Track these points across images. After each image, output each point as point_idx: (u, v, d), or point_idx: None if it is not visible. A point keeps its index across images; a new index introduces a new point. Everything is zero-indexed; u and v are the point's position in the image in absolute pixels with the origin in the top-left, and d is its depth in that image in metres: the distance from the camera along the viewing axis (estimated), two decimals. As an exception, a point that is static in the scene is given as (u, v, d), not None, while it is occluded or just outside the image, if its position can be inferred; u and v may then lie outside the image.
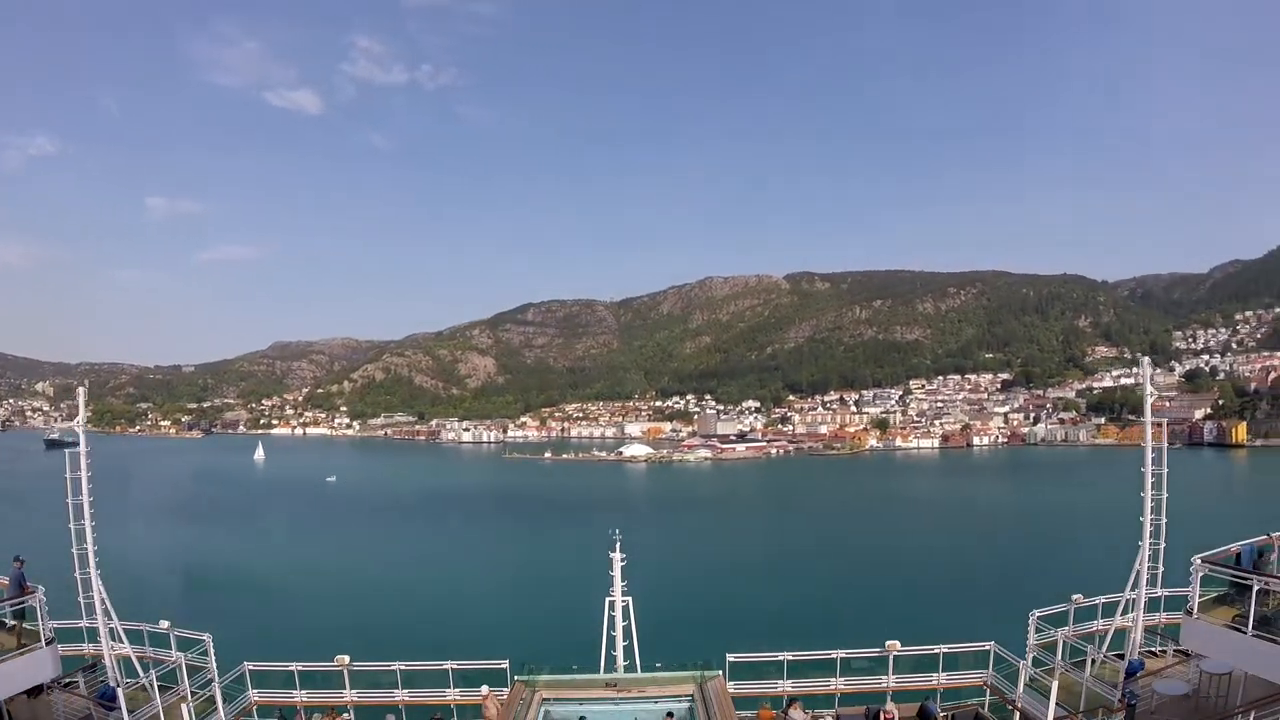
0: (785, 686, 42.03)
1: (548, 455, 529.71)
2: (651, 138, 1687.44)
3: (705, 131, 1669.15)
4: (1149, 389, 38.81)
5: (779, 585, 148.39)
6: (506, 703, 37.37)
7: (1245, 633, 29.93)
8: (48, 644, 34.09)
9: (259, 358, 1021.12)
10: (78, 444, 35.87)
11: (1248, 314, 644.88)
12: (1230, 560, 34.09)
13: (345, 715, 42.91)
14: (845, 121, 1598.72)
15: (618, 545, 44.44)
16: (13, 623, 34.97)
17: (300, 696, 42.78)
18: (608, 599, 44.11)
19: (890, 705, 40.76)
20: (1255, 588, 29.80)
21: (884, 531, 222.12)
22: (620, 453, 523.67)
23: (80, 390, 36.93)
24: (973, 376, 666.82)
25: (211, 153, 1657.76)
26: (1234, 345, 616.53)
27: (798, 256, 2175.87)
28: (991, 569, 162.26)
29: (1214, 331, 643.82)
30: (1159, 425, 38.36)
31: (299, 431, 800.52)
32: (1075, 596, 39.82)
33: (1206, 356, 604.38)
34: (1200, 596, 33.95)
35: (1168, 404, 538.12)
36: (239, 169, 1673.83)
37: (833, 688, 42.04)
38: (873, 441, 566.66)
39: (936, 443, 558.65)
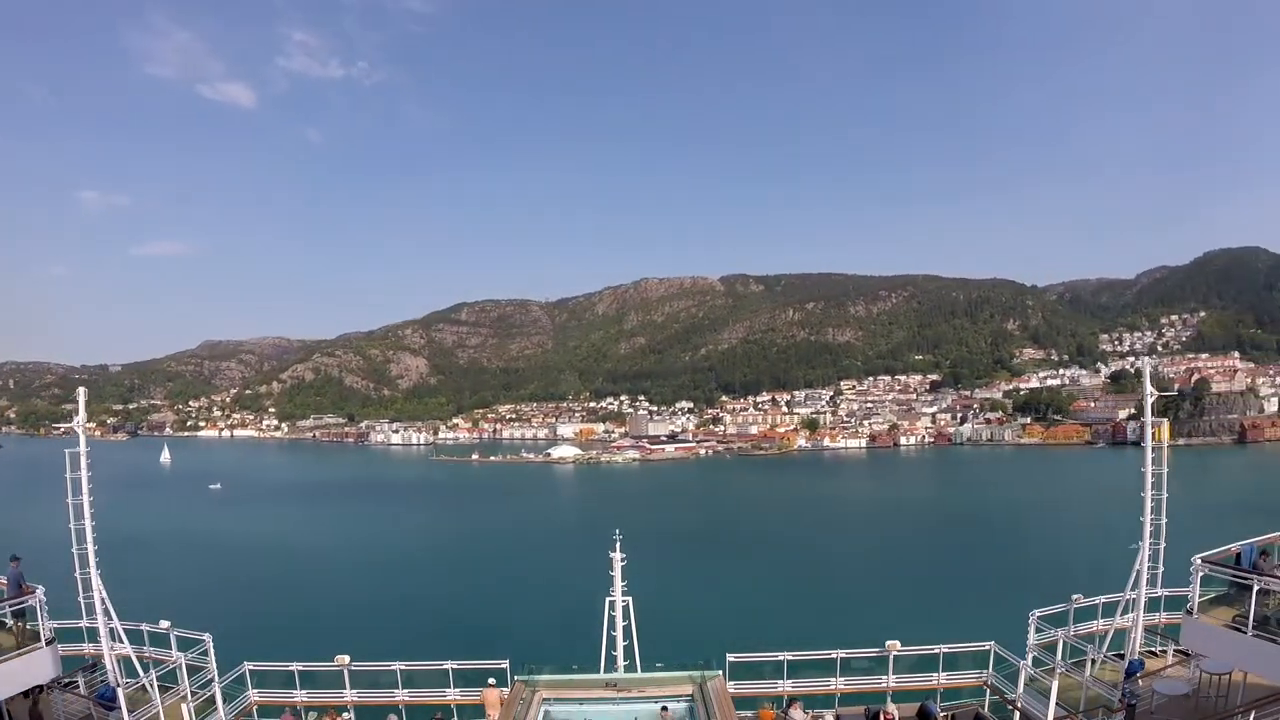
0: (785, 686, 42.01)
1: (475, 457, 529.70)
2: (587, 138, 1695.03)
3: (641, 133, 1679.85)
4: (1148, 388, 38.98)
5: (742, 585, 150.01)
6: (507, 702, 37.23)
7: (1245, 633, 29.97)
8: (47, 644, 33.81)
9: (187, 357, 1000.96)
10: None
11: (1173, 318, 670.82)
12: (1230, 560, 34.09)
13: (345, 715, 42.77)
14: (780, 126, 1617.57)
15: (618, 545, 44.33)
16: (12, 623, 34.63)
17: (300, 696, 42.64)
18: (608, 599, 43.98)
19: (890, 705, 40.69)
20: (1255, 588, 29.82)
21: (800, 530, 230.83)
22: (549, 454, 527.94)
23: (80, 391, 36.83)
24: (902, 377, 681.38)
25: (146, 145, 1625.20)
26: (1159, 348, 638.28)
27: (733, 258, 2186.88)
28: (931, 569, 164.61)
29: (1140, 335, 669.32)
30: (1159, 425, 38.72)
31: (227, 434, 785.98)
32: (1075, 596, 39.75)
33: (1132, 358, 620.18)
34: (1200, 596, 33.98)
35: (1093, 404, 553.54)
36: (173, 162, 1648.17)
37: (833, 688, 42.03)
38: (801, 441, 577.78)
39: (864, 443, 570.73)
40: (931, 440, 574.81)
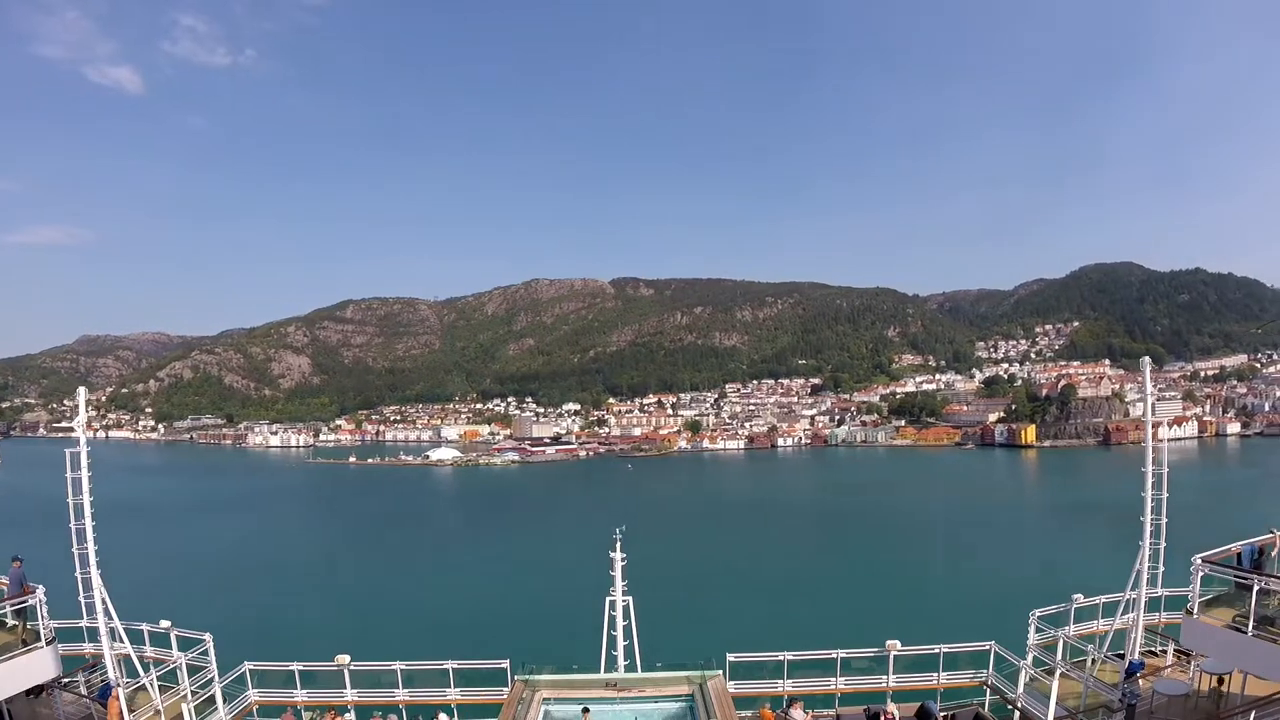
0: (785, 686, 42.09)
1: (352, 459, 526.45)
2: (480, 138, 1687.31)
3: (535, 136, 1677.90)
4: (1149, 388, 39.42)
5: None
6: (507, 702, 36.92)
7: (1245, 633, 29.94)
8: (48, 644, 33.70)
9: (63, 353, 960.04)
10: None
11: (1047, 327, 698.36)
12: (1231, 560, 34.12)
13: (346, 715, 42.61)
14: (671, 136, 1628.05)
15: (618, 545, 44.01)
16: (13, 622, 34.67)
17: (300, 696, 42.60)
18: (608, 599, 43.73)
19: (890, 705, 40.82)
20: (1255, 588, 29.80)
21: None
22: (427, 456, 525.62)
23: (81, 390, 37.63)
24: (785, 381, 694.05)
25: (27, 127, 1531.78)
26: (1033, 355, 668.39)
27: (624, 262, 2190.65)
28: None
29: (1015, 342, 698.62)
30: (1158, 425, 39.40)
31: (101, 435, 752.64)
32: (1075, 596, 39.98)
33: (1006, 365, 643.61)
34: (1200, 597, 33.93)
35: (965, 408, 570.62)
36: (56, 146, 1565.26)
37: (833, 688, 42.11)
38: (682, 443, 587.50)
39: (742, 444, 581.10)
40: (808, 442, 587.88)
